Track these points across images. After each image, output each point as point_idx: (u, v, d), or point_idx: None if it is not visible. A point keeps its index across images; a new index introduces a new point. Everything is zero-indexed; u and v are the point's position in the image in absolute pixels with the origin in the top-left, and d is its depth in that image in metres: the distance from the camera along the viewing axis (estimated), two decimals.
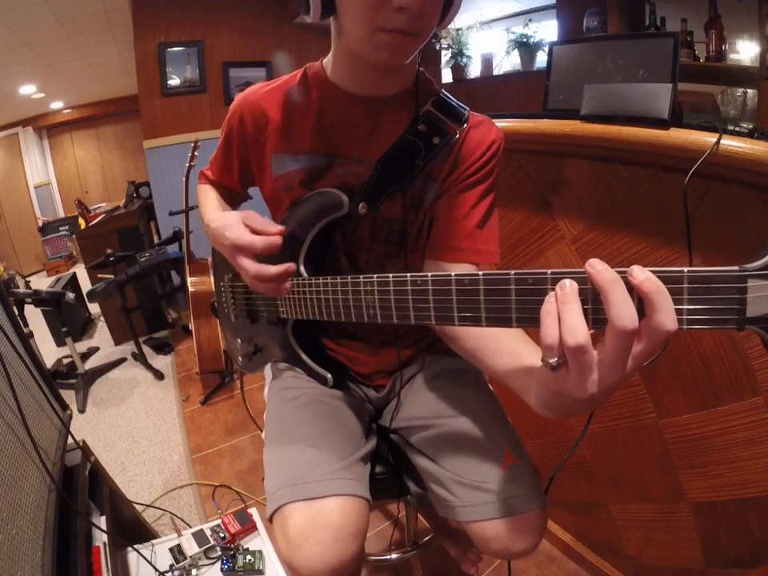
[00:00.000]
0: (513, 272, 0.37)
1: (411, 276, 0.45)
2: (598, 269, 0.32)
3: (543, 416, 0.43)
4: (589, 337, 0.32)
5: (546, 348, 0.34)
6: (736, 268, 0.30)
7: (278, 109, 0.68)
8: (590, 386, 0.34)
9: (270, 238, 0.56)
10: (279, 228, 0.57)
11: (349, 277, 0.54)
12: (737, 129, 1.69)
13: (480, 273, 0.39)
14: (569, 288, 0.33)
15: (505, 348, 0.52)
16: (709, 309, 0.31)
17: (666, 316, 0.30)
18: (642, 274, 0.31)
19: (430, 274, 0.44)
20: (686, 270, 0.31)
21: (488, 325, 0.40)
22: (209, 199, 0.78)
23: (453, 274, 0.42)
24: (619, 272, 0.32)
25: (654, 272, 0.31)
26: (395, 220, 0.68)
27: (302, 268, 0.66)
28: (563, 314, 0.33)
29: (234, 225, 0.59)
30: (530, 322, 0.37)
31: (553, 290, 0.35)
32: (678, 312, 0.31)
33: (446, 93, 0.68)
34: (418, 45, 0.56)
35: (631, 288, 0.32)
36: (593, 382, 0.34)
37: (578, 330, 0.32)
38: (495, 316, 0.39)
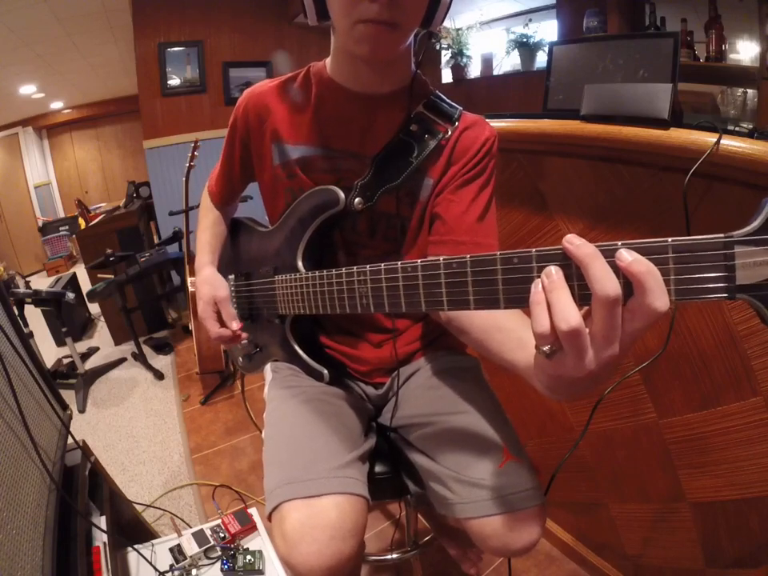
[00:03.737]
0: (498, 253, 0.37)
1: (402, 263, 0.46)
2: (576, 243, 0.32)
3: (552, 399, 0.43)
4: (581, 319, 0.33)
5: (539, 337, 0.35)
6: (721, 235, 0.29)
7: (280, 102, 0.71)
8: (588, 364, 0.34)
9: (222, 335, 0.77)
10: (237, 326, 0.76)
11: (343, 269, 0.54)
12: (737, 129, 1.68)
13: (467, 256, 0.40)
14: (555, 275, 0.34)
15: (510, 338, 0.52)
16: (697, 278, 0.30)
17: (657, 297, 0.30)
18: (629, 256, 0.31)
19: (419, 260, 0.44)
20: (669, 239, 0.31)
21: (476, 307, 0.40)
22: (204, 235, 0.84)
23: (441, 258, 0.42)
24: (603, 246, 0.32)
25: (638, 244, 0.31)
26: (393, 216, 0.70)
27: (299, 264, 0.67)
28: (553, 301, 0.33)
29: (205, 300, 0.77)
30: (518, 302, 0.37)
31: (538, 269, 0.35)
32: (666, 283, 0.31)
33: (438, 94, 0.70)
34: (399, 37, 0.58)
35: (614, 262, 0.31)
36: (590, 359, 0.34)
37: (569, 315, 0.32)
38: (483, 298, 0.39)
